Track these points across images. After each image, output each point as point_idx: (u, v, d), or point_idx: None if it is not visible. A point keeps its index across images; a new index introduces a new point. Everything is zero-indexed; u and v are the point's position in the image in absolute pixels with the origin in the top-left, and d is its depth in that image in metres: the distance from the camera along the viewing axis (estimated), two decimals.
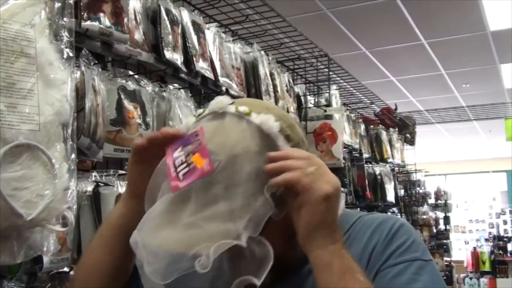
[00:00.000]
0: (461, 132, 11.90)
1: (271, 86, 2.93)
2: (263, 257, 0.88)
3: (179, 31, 2.20)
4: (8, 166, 1.05)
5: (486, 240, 12.25)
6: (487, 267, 10.90)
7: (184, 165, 0.92)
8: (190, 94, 2.26)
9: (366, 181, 4.36)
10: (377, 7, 5.23)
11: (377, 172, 4.71)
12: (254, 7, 3.02)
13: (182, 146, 0.95)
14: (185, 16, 2.28)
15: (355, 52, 6.54)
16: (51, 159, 1.11)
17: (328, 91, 4.07)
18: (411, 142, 6.41)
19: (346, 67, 4.58)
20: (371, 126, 5.09)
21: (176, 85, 2.25)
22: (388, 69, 7.37)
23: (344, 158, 3.68)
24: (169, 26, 2.12)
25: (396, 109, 6.04)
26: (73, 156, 1.23)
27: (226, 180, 0.89)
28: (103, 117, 1.71)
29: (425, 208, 7.64)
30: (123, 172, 1.91)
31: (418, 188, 7.17)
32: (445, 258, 8.60)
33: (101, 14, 1.73)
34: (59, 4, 1.25)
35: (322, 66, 3.95)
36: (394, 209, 5.46)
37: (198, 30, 2.34)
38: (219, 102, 0.99)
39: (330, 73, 4.06)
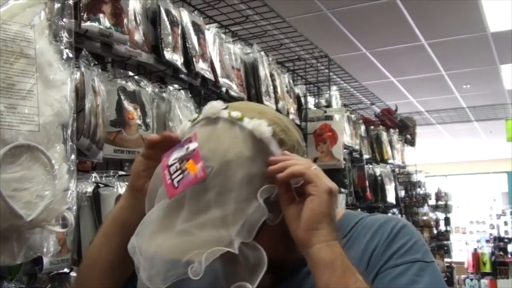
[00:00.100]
0: (462, 133, 11.90)
1: (271, 87, 2.93)
2: (257, 262, 0.88)
3: (179, 32, 2.20)
4: (8, 167, 1.05)
5: (487, 241, 12.24)
6: (487, 268, 10.88)
7: (179, 171, 0.93)
8: (190, 95, 2.26)
9: (367, 182, 4.35)
10: (378, 8, 5.23)
11: (378, 173, 4.71)
12: (254, 8, 3.02)
13: (177, 152, 0.96)
14: (185, 17, 2.28)
15: (355, 53, 6.54)
16: (51, 160, 1.11)
17: (328, 92, 4.07)
18: (412, 143, 6.40)
19: (347, 68, 4.58)
20: (372, 127, 5.09)
21: (176, 86, 2.25)
22: (388, 70, 7.37)
23: (344, 159, 3.68)
24: (169, 27, 2.12)
25: (396, 110, 6.04)
26: (72, 157, 1.23)
27: (218, 186, 0.90)
28: (103, 118, 1.71)
29: (426, 209, 7.63)
30: (123, 173, 1.91)
31: (418, 189, 7.17)
32: (445, 259, 8.60)
33: (101, 15, 1.72)
34: (59, 5, 1.25)
35: (322, 67, 3.95)
36: (395, 210, 5.45)
37: (198, 31, 2.34)
38: (212, 107, 0.99)
39: (330, 74, 4.06)
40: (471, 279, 10.79)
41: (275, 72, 3.06)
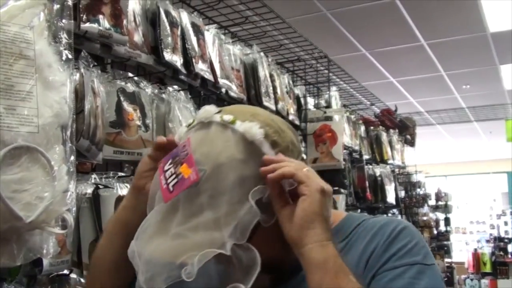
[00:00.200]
0: (462, 133, 11.90)
1: (271, 88, 2.93)
2: (250, 263, 0.89)
3: (179, 32, 2.20)
4: (7, 168, 1.05)
5: (487, 241, 12.23)
6: (488, 268, 10.88)
7: (174, 176, 0.94)
8: (189, 96, 2.26)
9: (367, 182, 4.35)
10: (377, 8, 5.24)
11: (378, 174, 4.70)
12: (253, 9, 3.03)
13: (172, 157, 0.98)
14: (185, 17, 2.28)
15: (355, 54, 6.54)
16: (50, 161, 1.11)
17: (328, 92, 4.07)
18: (411, 143, 6.40)
19: (346, 68, 4.58)
20: (371, 127, 5.08)
21: (175, 87, 2.24)
22: (388, 70, 7.38)
23: (344, 160, 3.67)
24: (168, 28, 2.11)
25: (396, 110, 6.04)
26: (72, 158, 1.23)
27: (211, 189, 0.91)
28: (102, 119, 1.71)
29: (426, 209, 7.63)
30: (122, 174, 1.91)
31: (418, 190, 7.16)
32: (446, 260, 8.59)
33: (100, 16, 1.72)
34: (58, 6, 1.25)
35: (322, 68, 3.95)
36: (395, 210, 5.45)
37: (198, 31, 2.34)
38: (205, 112, 1.01)
39: (330, 74, 4.06)
40: (472, 279, 10.79)
41: (274, 73, 3.06)
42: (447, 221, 9.80)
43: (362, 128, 4.72)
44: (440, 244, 8.60)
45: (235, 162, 0.93)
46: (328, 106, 3.95)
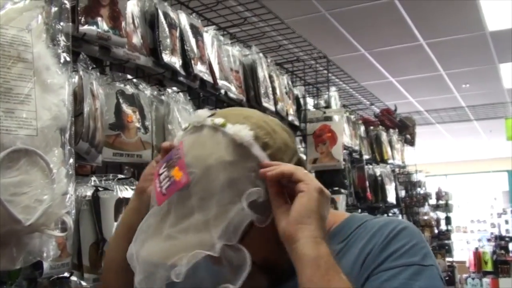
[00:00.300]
0: (462, 132, 11.90)
1: (270, 89, 2.93)
2: (240, 263, 0.90)
3: (177, 34, 2.20)
4: (6, 171, 1.05)
5: (488, 240, 12.24)
6: (489, 267, 10.90)
7: (167, 179, 0.97)
8: (189, 98, 2.26)
9: (367, 182, 4.35)
10: (376, 8, 5.24)
11: (378, 173, 4.70)
12: (252, 10, 3.02)
13: (167, 161, 1.01)
14: (183, 19, 2.28)
15: (354, 54, 6.54)
16: (49, 164, 1.11)
17: (327, 92, 4.07)
18: (411, 143, 6.40)
19: (345, 68, 4.58)
20: (371, 127, 5.08)
21: (174, 88, 2.24)
22: (387, 70, 7.38)
23: (344, 160, 3.67)
24: (167, 29, 2.11)
25: (395, 110, 6.03)
26: (71, 160, 1.22)
27: (201, 191, 0.93)
28: (101, 121, 1.71)
29: (426, 208, 7.62)
30: (122, 176, 1.91)
31: (419, 189, 7.16)
32: (447, 259, 8.59)
33: (99, 18, 1.72)
34: (56, 8, 1.25)
35: (321, 68, 3.95)
36: (395, 210, 5.45)
37: (196, 33, 2.34)
38: (198, 116, 1.02)
39: (329, 74, 4.06)
40: (473, 278, 10.80)
41: (274, 74, 3.06)
42: (448, 220, 9.79)
43: (362, 128, 4.72)
44: (441, 243, 8.60)
45: (224, 164, 0.94)
46: (328, 106, 3.95)
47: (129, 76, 2.02)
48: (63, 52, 1.24)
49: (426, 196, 7.66)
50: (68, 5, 1.32)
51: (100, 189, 1.74)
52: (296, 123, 3.32)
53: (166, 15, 2.14)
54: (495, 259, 10.92)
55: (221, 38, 2.68)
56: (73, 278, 1.67)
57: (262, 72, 2.86)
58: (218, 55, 2.51)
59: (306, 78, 3.88)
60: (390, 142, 5.39)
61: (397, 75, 7.65)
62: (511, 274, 10.42)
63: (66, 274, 1.63)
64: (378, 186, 4.64)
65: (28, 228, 1.08)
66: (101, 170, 1.93)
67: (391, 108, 5.96)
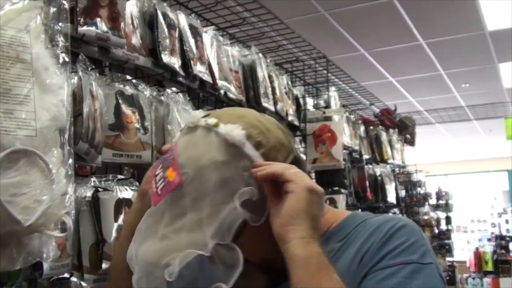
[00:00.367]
0: (461, 132, 11.90)
1: (270, 89, 2.93)
2: (233, 263, 0.91)
3: (176, 35, 2.20)
4: (5, 172, 1.04)
5: (488, 239, 12.24)
6: (489, 267, 10.89)
7: (162, 179, 0.98)
8: (188, 98, 2.25)
9: (367, 182, 4.34)
10: (375, 9, 5.24)
11: (378, 173, 4.70)
12: (251, 10, 3.02)
13: (163, 162, 1.02)
14: (182, 19, 2.28)
15: (353, 54, 6.54)
16: (48, 165, 1.11)
17: (327, 92, 4.07)
18: (411, 142, 6.39)
19: (345, 68, 4.58)
20: (371, 127, 5.08)
21: (174, 89, 2.24)
22: (387, 70, 7.38)
23: (344, 160, 3.67)
24: (166, 30, 2.11)
25: (395, 110, 6.03)
26: (70, 161, 1.22)
27: (194, 191, 0.94)
28: (101, 122, 1.71)
29: (427, 208, 7.62)
30: (122, 177, 1.91)
31: (419, 189, 7.16)
32: (447, 259, 8.59)
33: (98, 19, 1.72)
34: (55, 9, 1.25)
35: (320, 68, 3.95)
36: (395, 210, 5.45)
37: (196, 33, 2.34)
38: (192, 116, 1.04)
39: (329, 74, 4.06)
40: (473, 278, 10.80)
41: (273, 74, 3.06)
42: (448, 220, 9.79)
43: (362, 128, 4.72)
44: (442, 243, 8.60)
45: (216, 164, 0.95)
46: (327, 106, 3.95)
47: (128, 77, 2.02)
48: (62, 52, 1.24)
49: (426, 196, 7.66)
50: (66, 6, 1.32)
51: (100, 189, 1.74)
52: (296, 123, 3.32)
53: (165, 16, 2.14)
54: (495, 258, 10.92)
55: (220, 38, 2.67)
56: (73, 279, 1.66)
57: (262, 72, 2.86)
58: (217, 55, 2.51)
59: (306, 78, 3.87)
60: (390, 142, 5.39)
61: (396, 75, 7.65)
62: None
63: (66, 275, 1.63)
64: (378, 186, 4.64)
65: (28, 228, 1.08)
66: (100, 171, 1.93)
67: (391, 108, 5.96)
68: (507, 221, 14.20)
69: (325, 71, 3.98)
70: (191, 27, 2.32)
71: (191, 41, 2.27)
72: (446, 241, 8.90)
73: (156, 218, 0.96)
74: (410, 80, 7.88)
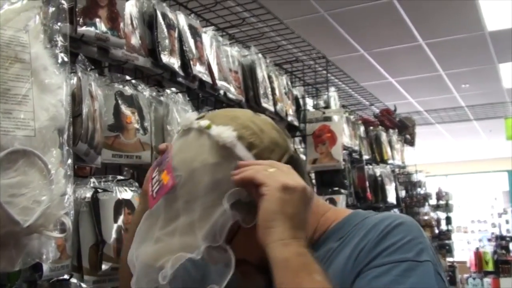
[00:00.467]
0: (461, 132, 11.90)
1: (269, 89, 2.93)
2: (225, 265, 0.91)
3: (176, 35, 2.19)
4: (4, 172, 1.04)
5: (489, 240, 12.24)
6: (490, 267, 10.89)
7: (157, 182, 0.99)
8: (188, 98, 2.25)
9: (367, 182, 4.34)
10: (375, 9, 5.24)
11: (378, 174, 4.69)
12: (251, 10, 3.02)
13: (159, 165, 1.03)
14: (182, 20, 2.28)
15: (353, 54, 6.54)
16: (47, 165, 1.10)
17: (326, 93, 4.07)
18: (411, 143, 6.39)
19: (345, 69, 4.57)
20: (371, 127, 5.08)
21: (173, 89, 2.24)
22: (386, 71, 7.38)
23: (344, 160, 3.67)
24: (165, 30, 2.11)
25: (395, 110, 6.03)
26: (69, 161, 1.22)
27: (186, 194, 0.95)
28: (100, 122, 1.70)
29: (427, 208, 7.61)
30: (121, 177, 1.90)
31: (419, 189, 7.15)
32: (447, 259, 8.58)
33: (97, 20, 1.72)
34: (53, 9, 1.24)
35: (320, 68, 3.95)
36: (396, 210, 5.44)
37: (195, 34, 2.33)
38: (186, 119, 1.04)
39: (328, 75, 4.06)
40: (474, 278, 10.80)
41: (273, 74, 3.05)
42: (448, 220, 9.77)
43: (362, 128, 4.71)
44: (442, 243, 8.59)
45: (208, 167, 0.95)
46: (327, 106, 3.94)
47: (127, 77, 2.02)
48: (60, 52, 1.24)
49: (426, 196, 7.65)
50: (65, 5, 1.31)
51: (100, 190, 1.74)
52: (296, 123, 3.31)
53: (164, 16, 2.14)
54: (496, 259, 10.92)
55: (220, 38, 2.67)
56: (73, 280, 1.66)
57: (261, 73, 2.86)
58: (217, 55, 2.50)
59: (305, 79, 3.87)
60: (390, 142, 5.39)
61: (396, 76, 7.65)
62: None
63: (66, 276, 1.63)
64: (378, 186, 4.64)
65: (27, 229, 1.07)
66: (100, 172, 1.92)
67: (390, 108, 5.96)
68: (507, 221, 14.20)
69: (324, 72, 3.98)
70: (191, 27, 2.32)
71: (191, 42, 2.27)
72: (447, 242, 8.89)
73: (152, 221, 0.97)
74: (410, 80, 7.88)
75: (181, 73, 2.17)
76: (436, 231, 8.21)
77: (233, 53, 2.73)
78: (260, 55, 2.95)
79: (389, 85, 7.99)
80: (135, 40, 1.99)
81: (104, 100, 1.78)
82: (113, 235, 1.70)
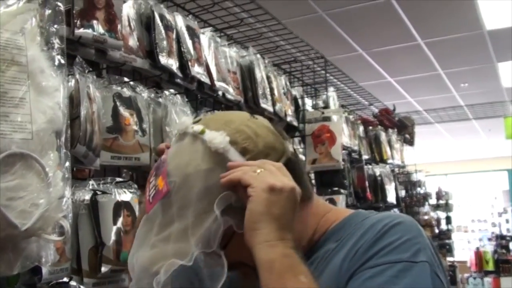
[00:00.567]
0: (461, 131, 11.89)
1: (268, 90, 2.92)
2: (218, 270, 0.91)
3: (174, 36, 2.19)
4: (2, 176, 1.04)
5: (489, 239, 12.23)
6: (490, 267, 10.88)
7: (153, 188, 0.99)
8: (186, 99, 2.25)
9: (366, 182, 4.34)
10: (373, 9, 5.24)
11: (377, 173, 4.69)
12: (248, 11, 3.02)
13: (155, 169, 1.03)
14: (180, 21, 2.27)
15: (351, 54, 6.54)
16: (45, 168, 1.10)
17: (325, 93, 4.06)
18: (411, 142, 6.39)
19: (343, 68, 4.57)
20: (370, 127, 5.07)
21: (172, 90, 2.23)
22: (385, 70, 7.37)
23: (343, 160, 3.67)
24: (163, 31, 2.11)
25: (394, 109, 6.03)
26: (67, 164, 1.22)
27: (180, 200, 0.94)
28: (99, 124, 1.70)
29: (427, 208, 7.61)
30: (120, 179, 1.90)
31: (418, 189, 7.15)
32: (448, 258, 8.58)
33: (94, 21, 1.72)
34: (50, 11, 1.24)
35: (318, 68, 3.95)
36: (396, 210, 5.44)
37: (193, 35, 2.33)
38: (181, 123, 1.04)
39: (327, 75, 4.05)
40: (474, 278, 10.79)
41: (271, 75, 3.05)
42: (448, 220, 9.76)
43: (361, 128, 4.71)
44: (442, 243, 8.58)
45: (201, 173, 0.94)
46: (326, 106, 3.94)
47: (126, 79, 2.01)
48: (57, 54, 1.23)
49: (426, 196, 7.65)
50: (62, 8, 1.31)
51: (98, 192, 1.73)
52: (295, 123, 3.31)
53: (162, 17, 2.13)
54: (496, 258, 10.91)
55: (218, 39, 2.67)
56: (73, 283, 1.66)
57: (260, 73, 2.86)
58: (215, 56, 2.50)
59: (304, 79, 3.87)
60: (389, 142, 5.39)
61: (395, 75, 7.65)
62: None
63: (65, 279, 1.62)
64: (378, 186, 4.64)
65: (25, 232, 1.07)
66: (99, 174, 1.92)
67: (389, 108, 5.96)
68: (507, 221, 14.18)
69: (323, 72, 3.98)
70: (189, 28, 2.31)
71: (189, 43, 2.27)
72: (447, 241, 8.88)
73: (149, 226, 0.97)
74: (408, 80, 7.87)
75: (179, 74, 2.17)
76: (436, 230, 8.20)
77: (231, 53, 2.73)
78: (258, 55, 2.94)
79: (388, 84, 7.99)
80: (133, 42, 1.99)
81: (102, 102, 1.78)
82: (113, 237, 1.70)
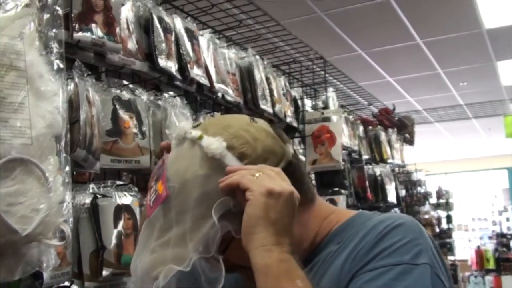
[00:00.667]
0: (460, 130, 11.89)
1: (268, 91, 2.92)
2: (215, 276, 0.91)
3: (173, 38, 2.19)
4: (2, 181, 1.03)
5: (490, 238, 12.23)
6: (491, 265, 10.89)
7: (154, 192, 0.99)
8: (185, 102, 2.25)
9: (367, 182, 4.33)
10: (372, 8, 5.24)
11: (378, 173, 4.69)
12: (247, 12, 3.02)
13: (156, 174, 1.03)
14: (178, 23, 2.27)
15: (351, 54, 6.54)
16: (45, 173, 1.10)
17: (325, 93, 4.06)
18: (411, 142, 6.39)
19: (343, 69, 4.57)
20: (370, 127, 5.07)
21: (171, 93, 2.23)
22: (384, 70, 7.38)
23: (343, 160, 3.66)
24: (162, 34, 2.10)
25: (394, 109, 6.02)
26: (67, 168, 1.21)
27: (179, 205, 0.95)
28: (98, 128, 1.70)
29: (427, 207, 7.61)
30: (121, 182, 1.90)
31: (419, 188, 7.15)
32: (449, 257, 8.57)
33: (93, 25, 1.71)
34: (48, 15, 1.24)
35: (318, 69, 3.95)
36: (396, 209, 5.44)
37: (192, 37, 2.33)
38: (180, 128, 1.04)
39: (326, 75, 4.05)
40: (475, 276, 10.79)
41: (270, 76, 3.05)
42: (449, 219, 9.77)
43: (361, 128, 4.71)
44: (443, 242, 8.58)
45: (199, 178, 0.95)
46: (326, 107, 3.94)
47: (125, 82, 2.01)
48: (56, 59, 1.23)
49: (426, 195, 7.65)
50: (60, 12, 1.30)
51: (99, 196, 1.73)
52: (295, 124, 3.30)
53: (160, 20, 2.13)
54: (497, 256, 10.91)
55: (217, 41, 2.67)
56: (74, 287, 1.65)
57: (259, 74, 2.85)
58: (214, 58, 2.50)
59: (303, 80, 3.87)
60: (389, 142, 5.39)
61: (394, 75, 7.65)
62: None
63: (66, 283, 1.62)
64: (378, 186, 4.63)
65: (25, 238, 1.07)
66: (99, 177, 1.92)
67: (389, 107, 5.95)
68: (507, 219, 14.18)
69: (322, 72, 3.98)
70: (187, 30, 2.31)
71: (188, 45, 2.27)
72: (447, 240, 8.89)
73: (149, 230, 0.97)
74: (408, 79, 7.87)
75: (178, 76, 2.16)
76: (437, 229, 8.21)
77: (230, 55, 2.72)
78: (257, 57, 2.94)
79: (387, 84, 7.99)
80: (131, 45, 1.98)
81: (102, 106, 1.78)
82: (113, 241, 1.69)
